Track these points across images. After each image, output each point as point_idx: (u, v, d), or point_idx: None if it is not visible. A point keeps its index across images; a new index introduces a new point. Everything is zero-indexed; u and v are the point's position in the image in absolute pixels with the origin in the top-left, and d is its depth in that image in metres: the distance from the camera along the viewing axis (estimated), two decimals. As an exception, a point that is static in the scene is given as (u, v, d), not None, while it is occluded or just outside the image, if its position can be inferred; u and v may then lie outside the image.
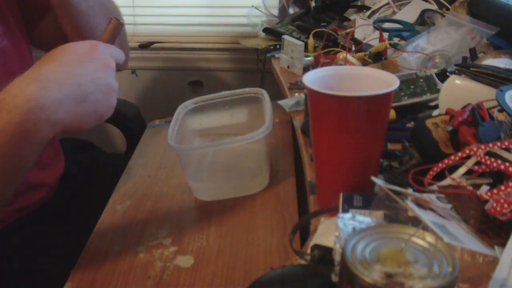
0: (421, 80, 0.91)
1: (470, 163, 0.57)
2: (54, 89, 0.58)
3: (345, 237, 0.44)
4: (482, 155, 0.56)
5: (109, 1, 0.92)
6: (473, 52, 1.02)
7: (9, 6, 0.89)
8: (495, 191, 0.52)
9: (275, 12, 1.65)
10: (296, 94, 1.05)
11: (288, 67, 1.21)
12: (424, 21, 1.27)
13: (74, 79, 0.60)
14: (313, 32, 1.28)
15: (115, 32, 0.74)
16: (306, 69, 1.18)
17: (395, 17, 1.33)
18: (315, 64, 1.18)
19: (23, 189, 0.89)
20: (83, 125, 0.62)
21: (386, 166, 0.69)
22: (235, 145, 0.81)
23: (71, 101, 0.60)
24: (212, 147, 0.82)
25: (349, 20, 1.45)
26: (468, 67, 0.77)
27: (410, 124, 0.84)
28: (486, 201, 0.52)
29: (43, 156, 0.67)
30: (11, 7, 0.89)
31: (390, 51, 1.08)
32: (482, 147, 0.56)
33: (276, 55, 1.33)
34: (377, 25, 1.18)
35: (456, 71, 0.78)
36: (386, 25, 1.24)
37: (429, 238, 0.40)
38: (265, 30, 1.45)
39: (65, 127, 0.60)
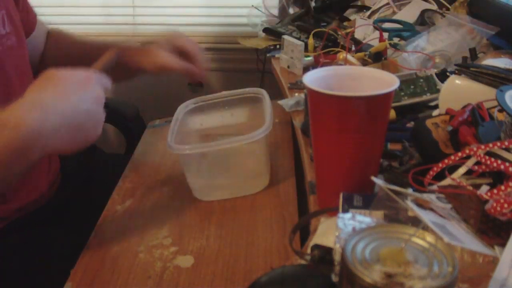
0: (421, 80, 0.91)
1: (470, 163, 0.57)
2: (53, 118, 0.63)
3: (345, 237, 0.44)
4: (482, 155, 0.56)
5: None
6: (473, 52, 1.02)
7: (14, 10, 0.90)
8: (495, 191, 0.52)
9: (275, 12, 1.65)
10: (296, 94, 1.05)
11: (288, 67, 1.21)
12: (424, 21, 1.27)
13: (71, 109, 0.65)
14: (313, 32, 1.28)
15: (110, 63, 0.80)
16: (306, 69, 1.18)
17: (395, 17, 1.33)
18: (315, 64, 1.18)
19: (22, 189, 0.89)
20: (72, 149, 0.68)
21: (386, 166, 0.69)
22: (235, 145, 0.81)
23: (66, 130, 0.65)
24: (212, 147, 0.82)
25: (349, 20, 1.45)
26: (468, 67, 0.77)
27: (410, 124, 0.84)
28: (486, 201, 0.52)
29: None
30: (15, 10, 0.91)
31: (390, 51, 1.08)
32: (482, 147, 0.56)
33: (276, 55, 1.33)
34: (377, 25, 1.18)
35: (456, 71, 0.78)
36: (386, 25, 1.24)
37: (429, 238, 0.40)
38: (265, 30, 1.45)
39: (54, 150, 0.67)
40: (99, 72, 0.73)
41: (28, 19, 0.99)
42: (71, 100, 0.66)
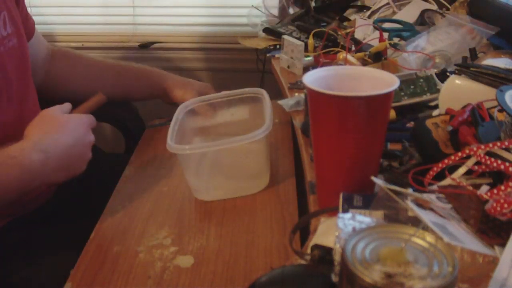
0: (421, 80, 0.91)
1: (470, 163, 0.57)
2: (53, 162, 0.77)
3: (345, 237, 0.44)
4: (482, 155, 0.56)
5: None
6: (473, 52, 1.02)
7: (15, 11, 0.90)
8: (495, 191, 0.52)
9: (275, 12, 1.65)
10: (296, 94, 1.05)
11: (288, 67, 1.21)
12: (424, 21, 1.27)
13: (68, 153, 0.79)
14: (313, 32, 1.28)
15: (98, 105, 0.93)
16: (306, 69, 1.18)
17: (395, 17, 1.33)
18: (315, 64, 1.18)
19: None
20: (61, 182, 0.81)
21: (386, 166, 0.69)
22: (235, 145, 0.81)
23: (62, 170, 0.79)
24: (212, 147, 0.82)
25: (349, 20, 1.45)
26: (468, 67, 0.77)
27: (410, 124, 0.84)
28: (486, 201, 0.52)
29: None
30: (16, 12, 0.91)
31: (390, 51, 1.08)
32: (482, 147, 0.56)
33: (276, 55, 1.33)
34: (377, 25, 1.18)
35: (456, 71, 0.78)
36: (386, 25, 1.24)
37: (429, 238, 0.40)
38: (265, 30, 1.45)
39: (48, 184, 0.80)
40: (87, 114, 0.87)
41: (27, 25, 0.99)
42: (67, 144, 0.79)
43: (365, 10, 1.46)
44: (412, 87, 0.90)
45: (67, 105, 0.87)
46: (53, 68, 1.11)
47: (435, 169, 0.59)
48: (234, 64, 1.99)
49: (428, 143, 0.65)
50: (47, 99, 1.07)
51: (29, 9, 1.05)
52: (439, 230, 0.44)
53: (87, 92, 0.97)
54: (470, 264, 0.49)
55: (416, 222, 0.45)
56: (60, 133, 0.79)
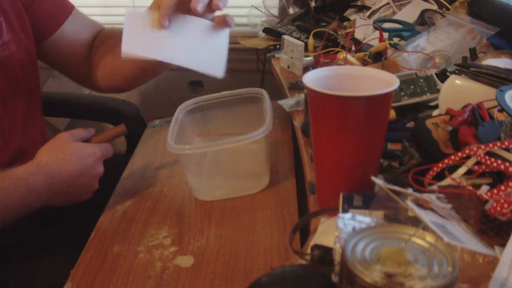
0: (421, 80, 0.91)
1: (470, 163, 0.57)
2: (57, 187, 0.79)
3: (345, 237, 0.44)
4: (482, 155, 0.56)
5: None
6: (473, 52, 1.02)
7: (16, 16, 0.90)
8: (495, 191, 0.52)
9: (275, 12, 1.65)
10: (296, 94, 1.05)
11: (288, 67, 1.21)
12: (424, 21, 1.27)
13: (73, 182, 0.81)
14: (313, 32, 1.28)
15: (118, 136, 0.92)
16: (306, 69, 1.18)
17: (395, 17, 1.33)
18: (315, 64, 1.18)
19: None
20: (64, 205, 0.83)
21: (386, 166, 0.69)
22: (235, 145, 0.81)
23: (65, 195, 0.82)
24: (212, 147, 0.82)
25: (349, 20, 1.45)
26: (468, 67, 0.77)
27: (410, 124, 0.84)
28: (486, 201, 0.52)
29: None
30: (19, 17, 0.91)
31: (390, 51, 1.08)
32: (482, 147, 0.56)
33: (276, 55, 1.33)
34: (377, 25, 1.18)
35: (456, 71, 0.78)
36: (386, 25, 1.24)
37: (429, 238, 0.40)
38: (265, 30, 1.45)
39: (52, 206, 0.82)
40: (104, 144, 0.87)
41: (54, 12, 0.98)
42: (72, 172, 0.80)
43: (365, 10, 1.46)
44: (412, 87, 0.90)
45: (85, 132, 0.87)
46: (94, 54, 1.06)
47: (435, 169, 0.59)
48: (234, 64, 1.98)
49: (428, 143, 0.65)
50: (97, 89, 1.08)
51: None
52: (439, 230, 0.44)
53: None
54: (470, 264, 0.49)
55: (416, 222, 0.45)
56: (67, 160, 0.80)
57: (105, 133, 0.91)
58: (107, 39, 1.04)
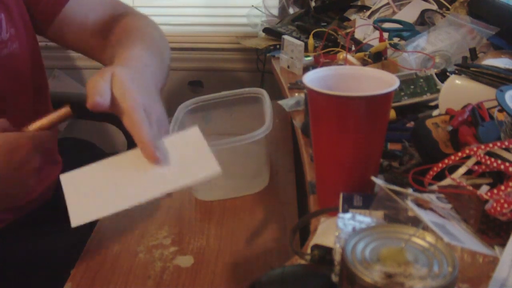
0: (421, 80, 0.91)
1: (470, 163, 0.57)
2: None
3: (345, 237, 0.44)
4: (482, 155, 0.56)
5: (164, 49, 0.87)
6: (473, 52, 1.02)
7: (18, 10, 0.89)
8: (495, 191, 0.52)
9: (275, 12, 1.65)
10: (296, 94, 1.05)
11: (288, 67, 1.21)
12: (424, 21, 1.28)
13: (2, 181, 0.65)
14: (313, 32, 1.28)
15: (61, 120, 0.72)
16: (306, 69, 1.18)
17: (395, 17, 1.33)
18: (315, 64, 1.18)
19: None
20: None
21: (386, 166, 0.69)
22: (235, 145, 0.81)
23: None
24: (212, 147, 0.82)
25: (349, 20, 1.45)
26: (468, 67, 0.77)
27: (410, 124, 0.84)
28: (486, 201, 0.52)
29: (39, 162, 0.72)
30: (20, 11, 0.90)
31: (390, 51, 1.08)
32: (482, 147, 0.56)
33: (276, 55, 1.33)
34: (377, 25, 1.18)
35: (456, 71, 0.78)
36: (386, 25, 1.24)
37: (429, 238, 0.40)
38: (265, 30, 1.45)
39: None
40: (37, 132, 0.69)
41: None
42: (4, 176, 0.65)
43: (365, 10, 1.46)
44: (412, 87, 0.90)
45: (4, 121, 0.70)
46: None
47: (435, 169, 0.59)
48: (234, 64, 1.99)
49: (428, 143, 0.65)
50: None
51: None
52: (439, 230, 0.44)
53: None
54: (470, 264, 0.49)
55: (416, 222, 0.45)
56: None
57: (44, 118, 0.71)
58: (116, 43, 0.88)
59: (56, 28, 0.94)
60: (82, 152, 1.19)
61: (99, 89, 0.60)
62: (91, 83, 0.61)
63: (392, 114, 0.86)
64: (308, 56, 1.22)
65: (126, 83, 0.63)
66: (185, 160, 0.63)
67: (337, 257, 0.44)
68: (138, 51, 0.76)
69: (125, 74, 0.65)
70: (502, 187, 0.51)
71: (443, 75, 0.93)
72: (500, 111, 0.61)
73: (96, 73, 0.63)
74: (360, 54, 1.11)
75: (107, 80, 0.62)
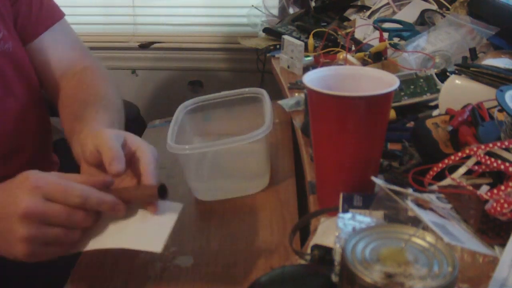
0: (421, 80, 0.91)
1: (470, 163, 0.57)
2: None
3: (345, 237, 0.44)
4: (482, 155, 0.56)
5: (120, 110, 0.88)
6: (473, 52, 1.02)
7: (7, 13, 0.89)
8: (495, 191, 0.52)
9: (275, 12, 1.65)
10: (296, 94, 1.05)
11: (288, 67, 1.21)
12: (424, 21, 1.28)
13: None
14: (313, 32, 1.28)
15: (145, 201, 0.66)
16: (306, 69, 1.18)
17: (395, 17, 1.33)
18: (315, 64, 1.18)
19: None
20: None
21: (386, 166, 0.69)
22: (235, 145, 0.81)
23: None
24: (212, 147, 0.82)
25: (349, 20, 1.45)
26: (468, 67, 0.77)
27: (410, 124, 0.84)
28: (486, 201, 0.52)
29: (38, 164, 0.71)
30: (10, 15, 0.90)
31: (390, 51, 1.09)
32: (482, 147, 0.56)
33: (276, 55, 1.33)
34: (377, 25, 1.18)
35: (456, 71, 0.78)
36: (386, 25, 1.24)
37: (429, 238, 0.40)
38: (265, 30, 1.45)
39: None
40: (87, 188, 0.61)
41: (40, 15, 0.93)
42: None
43: (365, 10, 1.46)
44: (412, 87, 0.90)
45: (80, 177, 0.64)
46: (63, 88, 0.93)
47: (435, 169, 0.59)
48: (234, 64, 1.99)
49: (428, 143, 0.65)
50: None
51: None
52: (439, 230, 0.44)
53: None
54: (470, 264, 0.49)
55: (416, 222, 0.45)
56: None
57: (127, 190, 0.65)
58: (74, 113, 0.86)
59: (31, 50, 0.94)
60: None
61: (118, 156, 0.63)
62: (110, 153, 0.63)
63: (392, 114, 0.86)
64: (308, 56, 1.22)
65: (138, 140, 0.71)
66: (144, 226, 0.65)
67: (337, 257, 0.44)
68: (102, 115, 0.81)
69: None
70: (502, 187, 0.51)
71: (443, 75, 0.93)
72: (500, 111, 0.61)
73: (103, 140, 0.66)
74: (360, 54, 1.11)
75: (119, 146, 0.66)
